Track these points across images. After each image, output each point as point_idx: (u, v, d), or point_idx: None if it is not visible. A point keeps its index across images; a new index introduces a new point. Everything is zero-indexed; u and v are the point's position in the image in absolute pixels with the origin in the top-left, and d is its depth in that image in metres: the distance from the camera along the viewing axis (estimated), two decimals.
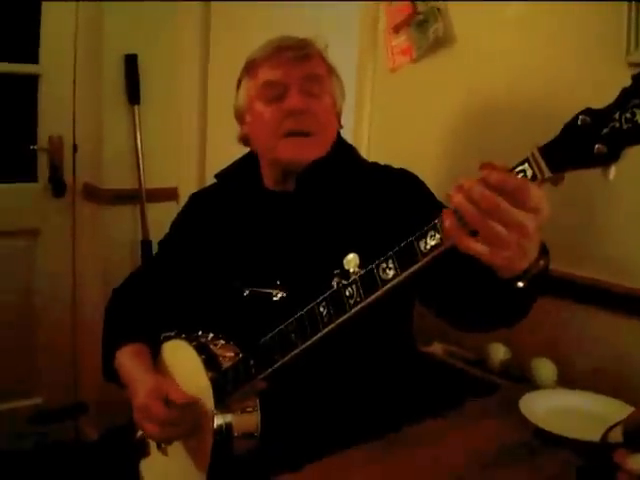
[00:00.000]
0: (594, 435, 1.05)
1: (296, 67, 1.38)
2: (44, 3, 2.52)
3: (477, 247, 0.84)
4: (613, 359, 1.51)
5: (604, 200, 1.52)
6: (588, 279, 1.55)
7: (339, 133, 1.50)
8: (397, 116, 2.06)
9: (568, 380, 1.47)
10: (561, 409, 1.31)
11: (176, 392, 1.21)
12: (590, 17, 1.52)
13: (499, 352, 1.62)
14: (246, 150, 1.55)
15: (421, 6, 1.88)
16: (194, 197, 1.61)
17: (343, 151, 1.48)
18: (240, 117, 1.49)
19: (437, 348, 1.77)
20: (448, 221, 0.85)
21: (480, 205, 0.81)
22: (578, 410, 1.32)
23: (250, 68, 1.45)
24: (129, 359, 1.37)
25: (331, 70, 1.47)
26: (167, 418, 1.21)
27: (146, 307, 1.47)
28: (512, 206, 0.81)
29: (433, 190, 1.43)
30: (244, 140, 1.51)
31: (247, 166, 1.52)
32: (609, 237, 1.54)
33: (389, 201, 1.37)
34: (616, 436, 1.01)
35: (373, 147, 2.11)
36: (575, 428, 1.18)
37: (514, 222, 0.81)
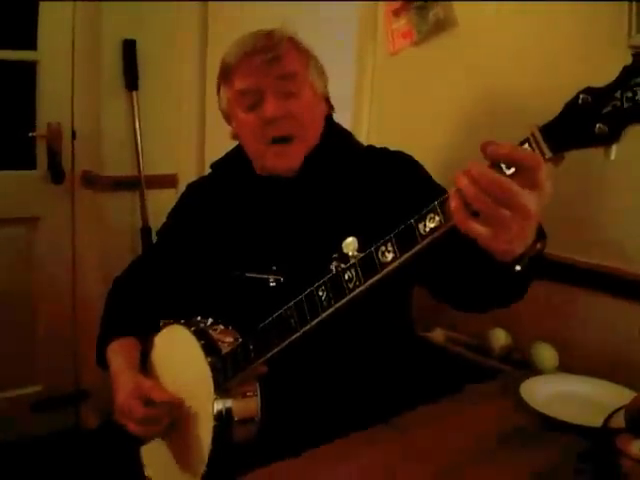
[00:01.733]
0: (596, 420, 1.05)
1: (267, 71, 1.34)
2: None
3: (478, 229, 0.83)
4: (614, 344, 1.51)
5: (606, 185, 1.51)
6: (589, 264, 1.55)
7: (331, 118, 1.48)
8: (397, 100, 2.05)
9: (569, 365, 1.47)
10: (562, 394, 1.31)
11: (155, 391, 1.24)
12: (592, 1, 1.51)
13: (500, 337, 1.62)
14: None
15: None
16: (190, 187, 1.61)
17: (335, 136, 1.46)
18: (226, 119, 1.49)
19: (438, 334, 1.77)
20: (454, 202, 0.84)
21: (484, 187, 0.80)
22: (579, 395, 1.31)
23: (225, 74, 1.42)
24: (117, 355, 1.38)
25: (306, 57, 1.42)
26: (145, 417, 1.23)
27: (146, 297, 1.48)
28: (517, 183, 0.79)
29: (433, 173, 1.42)
30: (235, 136, 1.50)
31: (240, 155, 1.51)
32: (610, 222, 1.53)
33: (385, 184, 1.36)
34: (618, 421, 1.01)
35: (373, 131, 2.10)
36: (576, 413, 1.18)
37: (517, 204, 0.80)
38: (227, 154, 1.56)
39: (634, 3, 1.42)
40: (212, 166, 1.57)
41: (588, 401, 1.28)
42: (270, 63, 1.34)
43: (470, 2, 1.78)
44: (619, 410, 1.03)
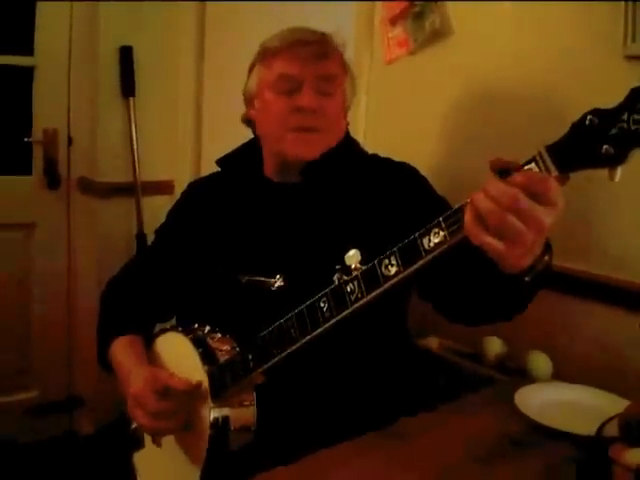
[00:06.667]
0: (590, 429, 1.05)
1: (313, 64, 1.36)
2: None
3: (494, 243, 0.83)
4: (609, 353, 1.51)
5: (602, 194, 1.52)
6: (584, 272, 1.55)
7: (346, 129, 1.50)
8: (393, 109, 2.06)
9: (563, 374, 1.47)
10: (556, 403, 1.31)
11: (174, 380, 1.21)
12: (588, 9, 1.52)
13: (495, 346, 1.62)
14: (244, 139, 1.54)
15: None
16: (192, 185, 1.60)
17: (347, 146, 1.47)
18: (248, 101, 1.48)
19: (433, 341, 1.77)
20: (468, 215, 0.84)
21: (500, 201, 0.81)
22: (573, 404, 1.32)
23: (266, 56, 1.42)
24: (122, 351, 1.36)
25: (346, 68, 1.46)
26: (160, 409, 1.20)
27: (141, 297, 1.47)
28: (531, 200, 0.80)
29: (431, 181, 1.43)
30: (247, 122, 1.50)
31: (249, 154, 1.51)
32: (606, 231, 1.54)
33: (390, 196, 1.37)
34: (612, 430, 1.01)
35: (369, 140, 2.10)
36: (570, 422, 1.18)
37: (533, 218, 0.81)
38: (234, 151, 1.55)
39: (629, 13, 1.43)
40: (218, 162, 1.55)
41: (582, 409, 1.29)
42: (318, 58, 1.37)
43: (466, 11, 1.79)
44: (613, 419, 1.04)
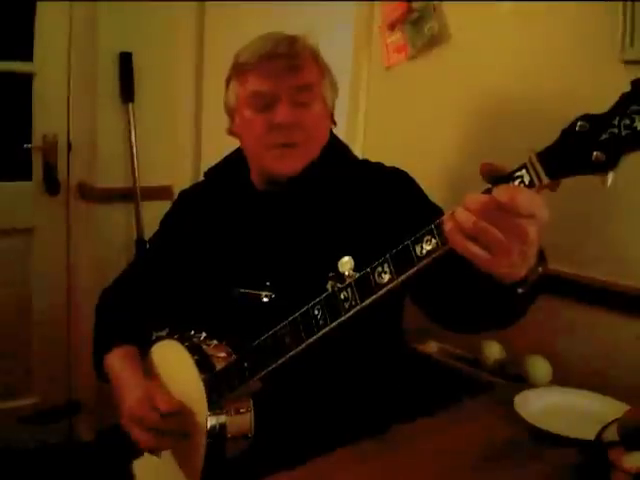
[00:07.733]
0: (589, 434, 1.05)
1: (287, 78, 1.33)
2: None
3: (477, 251, 0.83)
4: (608, 357, 1.51)
5: (602, 199, 1.52)
6: (583, 277, 1.55)
7: (332, 132, 1.48)
8: (392, 114, 2.06)
9: (563, 378, 1.47)
10: (556, 407, 1.31)
11: (163, 400, 1.19)
12: (585, 14, 1.52)
13: (494, 350, 1.62)
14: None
15: (416, 4, 1.88)
16: (183, 195, 1.60)
17: (335, 151, 1.46)
18: (229, 114, 1.47)
19: (432, 346, 1.77)
20: (449, 225, 0.84)
21: (476, 211, 0.81)
22: (573, 408, 1.31)
23: (239, 72, 1.40)
24: (117, 363, 1.36)
25: (323, 70, 1.42)
26: (158, 427, 1.19)
27: (136, 307, 1.47)
28: (510, 211, 0.80)
29: (427, 189, 1.42)
30: (232, 133, 1.49)
31: (236, 164, 1.50)
32: (605, 236, 1.54)
33: (381, 201, 1.36)
34: (611, 434, 1.01)
35: (368, 145, 2.11)
36: (570, 427, 1.18)
37: (511, 228, 0.81)
38: (222, 162, 1.54)
39: (627, 17, 1.43)
40: (206, 174, 1.55)
41: (582, 414, 1.28)
42: (290, 70, 1.34)
43: (464, 17, 1.80)
44: (612, 423, 1.04)
